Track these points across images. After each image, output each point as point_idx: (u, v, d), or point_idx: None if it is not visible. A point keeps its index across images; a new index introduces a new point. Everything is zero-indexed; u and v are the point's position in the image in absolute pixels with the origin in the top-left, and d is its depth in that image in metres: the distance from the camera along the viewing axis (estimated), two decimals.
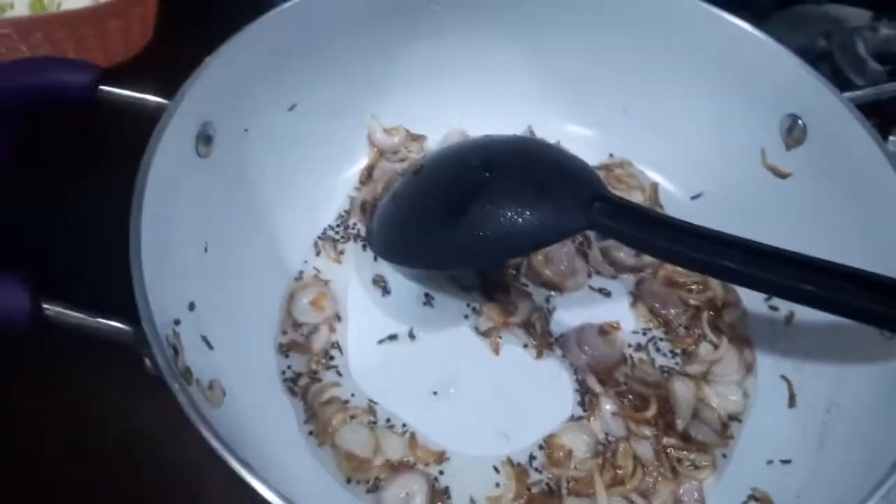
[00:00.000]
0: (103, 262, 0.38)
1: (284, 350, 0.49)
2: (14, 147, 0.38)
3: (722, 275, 0.44)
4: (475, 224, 0.45)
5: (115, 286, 0.37)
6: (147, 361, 0.36)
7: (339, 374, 0.48)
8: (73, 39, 0.63)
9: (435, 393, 0.48)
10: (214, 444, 0.32)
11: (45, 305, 0.35)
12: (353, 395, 0.47)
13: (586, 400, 0.48)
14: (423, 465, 0.45)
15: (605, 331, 0.51)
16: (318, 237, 0.54)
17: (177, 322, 0.41)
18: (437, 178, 0.50)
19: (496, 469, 0.45)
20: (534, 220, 0.44)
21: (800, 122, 0.51)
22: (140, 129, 0.43)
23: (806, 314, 0.50)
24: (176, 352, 0.37)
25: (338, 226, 0.55)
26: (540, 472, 0.45)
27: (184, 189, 0.44)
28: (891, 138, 0.64)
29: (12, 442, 0.46)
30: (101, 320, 0.36)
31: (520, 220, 0.44)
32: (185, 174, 0.44)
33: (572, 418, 0.48)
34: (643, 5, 0.55)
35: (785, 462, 0.45)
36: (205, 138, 0.46)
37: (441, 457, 0.46)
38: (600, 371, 0.49)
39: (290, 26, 0.50)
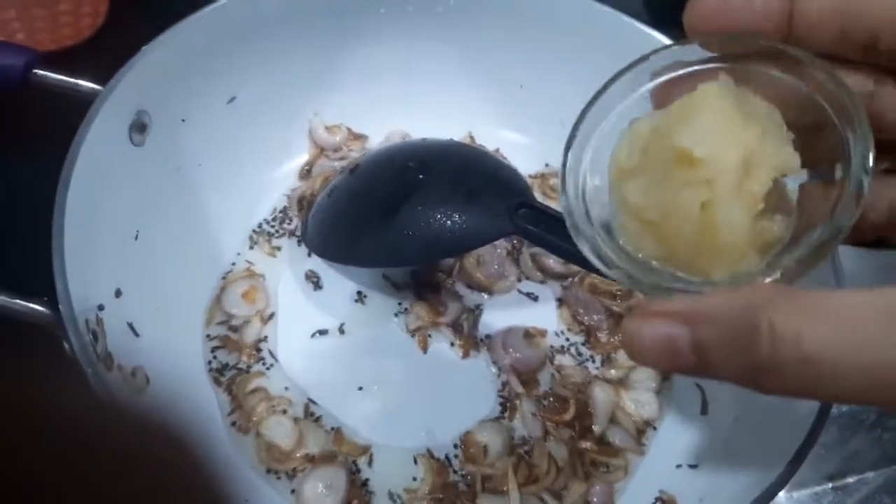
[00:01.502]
0: (29, 246, 0.38)
1: (213, 341, 0.49)
2: None
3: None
4: (406, 224, 0.47)
5: (41, 270, 0.37)
6: (66, 345, 0.36)
7: (267, 366, 0.49)
8: (21, 20, 0.62)
9: (361, 388, 0.49)
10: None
11: None
12: (285, 388, 0.48)
13: (508, 400, 0.50)
14: (346, 458, 0.46)
15: (531, 334, 0.52)
16: (253, 230, 0.55)
17: (101, 307, 0.41)
18: (371, 177, 0.51)
19: (415, 462, 0.46)
20: (462, 223, 0.46)
21: None
22: (74, 115, 0.43)
23: None
24: (95, 337, 0.38)
25: (273, 220, 0.55)
26: (456, 468, 0.47)
27: (115, 176, 0.44)
28: None
29: None
30: (20, 302, 0.36)
31: (448, 222, 0.45)
32: (117, 161, 0.45)
33: (493, 417, 0.49)
34: (585, 21, 0.56)
35: (692, 466, 0.47)
36: (139, 126, 0.46)
37: (365, 450, 0.46)
38: (523, 373, 0.50)
39: (232, 19, 0.50)
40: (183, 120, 0.50)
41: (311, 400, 0.48)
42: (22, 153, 0.54)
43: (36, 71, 0.43)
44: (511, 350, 0.51)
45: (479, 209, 0.46)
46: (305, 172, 0.58)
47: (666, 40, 0.55)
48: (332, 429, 0.47)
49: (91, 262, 0.40)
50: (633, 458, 0.49)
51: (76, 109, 0.43)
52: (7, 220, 0.51)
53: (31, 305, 0.36)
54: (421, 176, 0.48)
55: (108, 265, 0.43)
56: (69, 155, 0.40)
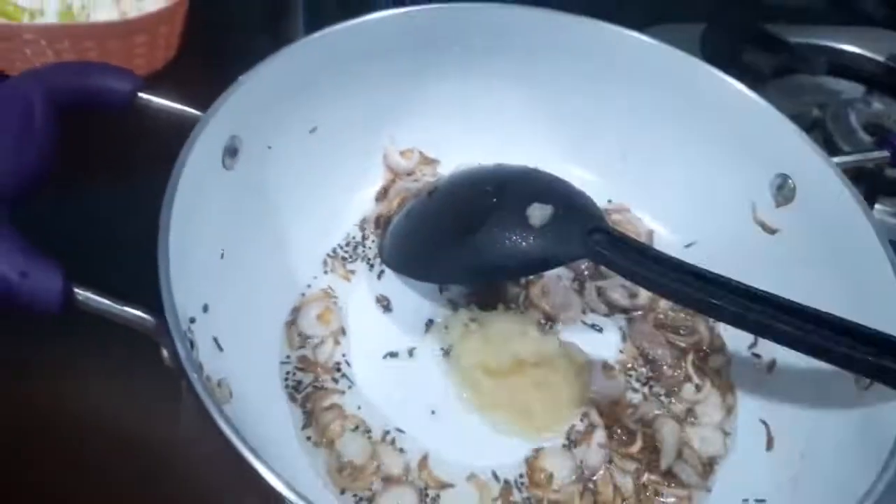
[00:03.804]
0: (132, 258, 0.40)
1: (289, 358, 0.51)
2: (56, 144, 0.40)
3: (709, 311, 0.47)
4: (482, 244, 0.49)
5: (142, 280, 0.39)
6: (165, 353, 0.38)
7: (341, 385, 0.50)
8: (98, 51, 0.66)
9: (433, 412, 0.50)
10: (228, 432, 0.34)
11: (76, 290, 0.37)
12: (358, 407, 0.49)
13: (576, 429, 0.50)
14: (426, 484, 0.47)
15: (609, 367, 0.53)
16: (328, 254, 0.57)
17: (192, 320, 0.43)
18: (449, 199, 0.54)
19: (481, 485, 0.47)
20: (537, 244, 0.47)
21: (789, 181, 0.54)
22: (171, 136, 0.45)
23: (787, 362, 0.52)
24: (192, 346, 0.39)
25: (347, 245, 0.57)
26: (521, 491, 0.47)
27: (208, 197, 0.47)
28: (877, 206, 0.67)
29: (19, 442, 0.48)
30: (126, 308, 0.38)
31: (523, 243, 0.47)
32: (211, 183, 0.47)
33: (560, 444, 0.50)
34: (650, 62, 0.58)
35: (759, 502, 0.47)
36: (231, 151, 0.48)
37: (444, 485, 0.47)
38: (602, 405, 0.51)
39: (320, 54, 0.53)
40: (269, 147, 0.52)
41: (383, 419, 0.49)
42: (126, 171, 0.57)
43: (141, 95, 0.45)
44: (591, 383, 0.52)
45: (554, 232, 0.47)
46: (382, 194, 0.60)
47: (721, 76, 0.56)
48: (401, 449, 0.48)
49: (185, 277, 0.42)
50: (698, 494, 0.49)
51: (168, 131, 0.46)
52: (110, 233, 0.54)
53: (137, 312, 0.38)
54: (497, 198, 0.50)
55: (198, 281, 0.45)
56: (173, 174, 0.42)
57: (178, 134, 0.45)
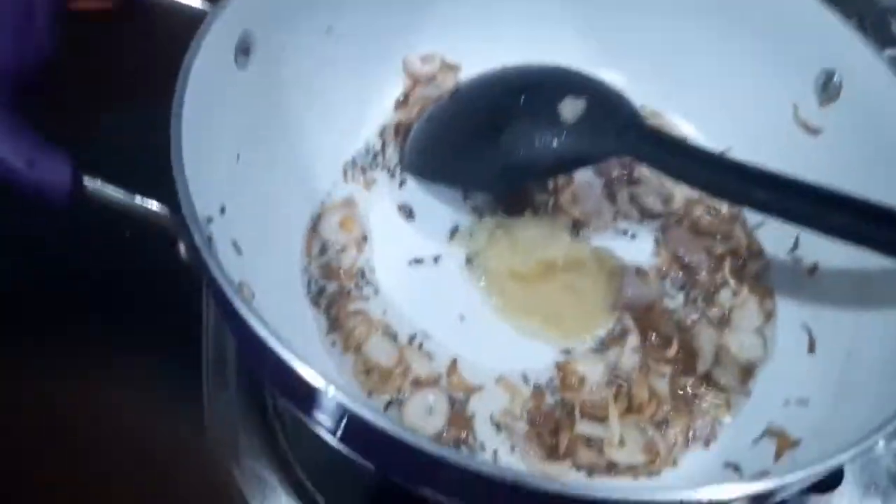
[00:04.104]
0: (145, 155, 0.39)
1: (311, 265, 0.49)
2: (57, 27, 0.38)
3: (750, 203, 0.45)
4: (510, 143, 0.46)
5: (156, 178, 0.38)
6: (182, 248, 0.37)
7: (366, 291, 0.49)
8: None
9: (462, 317, 0.49)
10: (253, 323, 0.32)
11: (86, 179, 0.35)
12: (383, 311, 0.48)
13: (611, 333, 0.49)
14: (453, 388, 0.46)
15: (643, 272, 0.51)
16: (347, 163, 0.55)
17: (209, 220, 0.41)
18: (473, 99, 0.51)
19: (511, 387, 0.46)
20: (570, 141, 0.45)
21: (835, 78, 0.51)
22: (181, 31, 0.43)
23: (830, 265, 0.50)
24: (210, 242, 0.38)
25: (367, 153, 0.55)
26: (553, 394, 0.46)
27: (220, 96, 0.45)
28: None
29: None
30: (140, 199, 0.36)
31: (555, 140, 0.45)
32: (223, 82, 0.45)
33: (592, 348, 0.48)
34: None
35: (802, 402, 0.45)
36: (244, 49, 0.46)
37: (473, 389, 0.46)
38: (638, 309, 0.49)
39: None
40: (283, 47, 0.50)
41: (410, 324, 0.48)
42: (133, 69, 0.55)
43: None
44: (624, 287, 0.50)
45: (588, 128, 0.45)
46: (402, 102, 0.57)
47: None
48: (429, 353, 0.47)
49: (200, 176, 0.40)
50: (737, 398, 0.47)
51: (178, 27, 0.44)
52: (122, 131, 0.52)
53: (152, 204, 0.36)
54: (526, 96, 0.47)
55: (214, 182, 0.43)
56: (182, 71, 0.40)
57: (187, 29, 0.43)
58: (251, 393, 0.50)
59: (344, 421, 0.35)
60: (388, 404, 0.45)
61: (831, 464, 0.33)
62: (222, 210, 0.44)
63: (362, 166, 0.55)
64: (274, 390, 0.43)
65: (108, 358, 0.50)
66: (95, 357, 0.50)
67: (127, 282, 0.53)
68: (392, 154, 0.56)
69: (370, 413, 0.31)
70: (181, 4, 0.45)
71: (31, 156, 0.33)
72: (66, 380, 0.49)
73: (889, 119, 0.49)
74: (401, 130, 0.56)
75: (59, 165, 0.34)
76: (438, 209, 0.53)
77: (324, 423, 0.36)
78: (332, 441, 0.37)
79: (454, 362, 0.46)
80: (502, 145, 0.47)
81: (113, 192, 0.36)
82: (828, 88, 0.52)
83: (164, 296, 0.52)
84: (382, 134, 0.56)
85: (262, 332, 0.32)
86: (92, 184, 0.36)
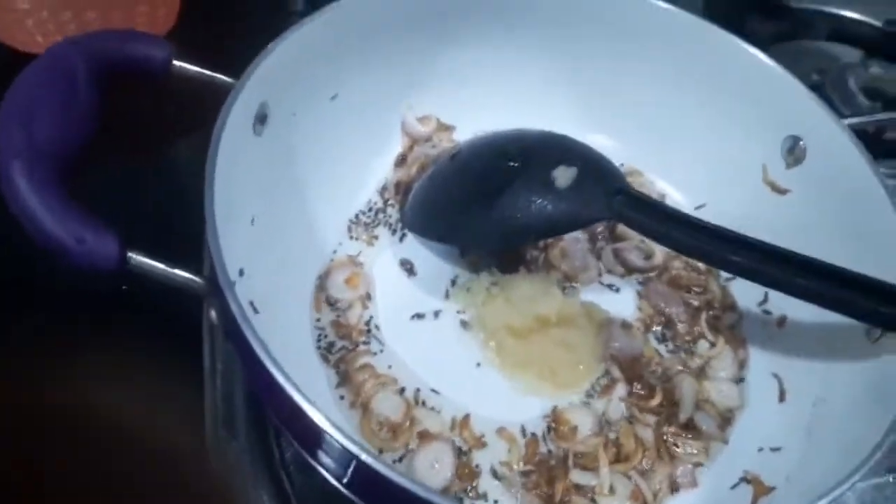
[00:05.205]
0: (178, 221, 0.41)
1: (320, 321, 0.52)
2: (97, 110, 0.41)
3: (725, 266, 0.49)
4: (506, 207, 0.50)
5: (184, 242, 0.40)
6: (213, 314, 0.39)
7: (373, 346, 0.52)
8: (101, 21, 0.66)
9: (461, 371, 0.51)
10: (285, 384, 0.35)
11: (130, 254, 0.38)
12: (389, 366, 0.51)
13: (598, 384, 0.52)
14: (463, 441, 0.48)
15: (627, 325, 0.55)
16: (351, 220, 0.58)
17: (231, 284, 0.44)
18: (472, 162, 0.55)
19: (510, 438, 0.49)
20: (562, 206, 0.49)
21: (801, 143, 0.56)
22: (195, 103, 0.46)
23: (797, 318, 0.54)
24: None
25: (369, 210, 0.59)
26: (548, 443, 0.49)
27: (240, 163, 0.47)
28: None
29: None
30: (177, 271, 0.39)
31: (549, 205, 0.49)
32: (244, 150, 0.47)
33: (582, 398, 0.52)
34: (663, 26, 0.59)
35: (775, 450, 0.49)
36: (261, 118, 0.49)
37: (482, 443, 0.48)
38: (623, 361, 0.53)
39: (343, 22, 0.53)
40: (294, 114, 0.53)
41: (415, 379, 0.51)
42: (160, 138, 0.57)
43: (175, 62, 0.46)
44: (611, 340, 0.53)
45: (579, 193, 0.49)
46: (401, 160, 0.61)
47: (735, 39, 0.58)
48: (433, 407, 0.49)
49: (225, 242, 0.43)
50: (715, 445, 0.51)
51: (197, 98, 0.46)
52: (157, 199, 0.54)
53: (186, 274, 0.39)
54: (521, 161, 0.51)
55: (235, 246, 0.45)
56: (213, 142, 0.43)
57: (202, 101, 0.46)
58: (259, 442, 0.52)
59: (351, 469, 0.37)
60: (400, 458, 0.47)
61: None
62: (241, 273, 0.47)
63: (365, 223, 0.58)
64: (291, 439, 0.46)
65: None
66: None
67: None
68: (392, 211, 0.59)
69: (380, 465, 0.34)
70: (206, 75, 0.48)
71: (80, 234, 0.36)
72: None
73: (848, 182, 0.53)
74: (401, 188, 0.59)
75: (106, 242, 0.36)
76: (437, 264, 0.57)
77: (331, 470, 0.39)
78: (342, 489, 0.39)
79: (466, 417, 0.49)
80: (499, 208, 0.51)
81: (154, 265, 0.39)
82: (794, 152, 0.57)
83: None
84: (383, 191, 0.60)
85: (288, 385, 0.36)
86: (135, 257, 0.38)
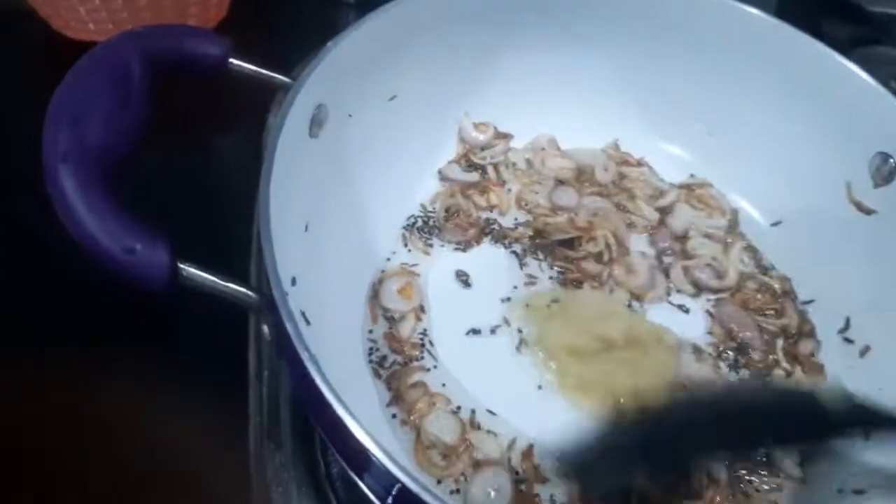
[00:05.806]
0: (220, 223, 0.39)
1: (373, 333, 0.50)
2: (151, 107, 0.39)
3: None
4: None
5: (229, 245, 0.38)
6: (265, 329, 0.37)
7: (426, 362, 0.49)
8: (152, 10, 0.65)
9: (520, 393, 0.49)
10: (337, 406, 0.33)
11: (181, 267, 0.36)
12: (443, 384, 0.48)
13: None
14: (522, 471, 0.46)
15: (699, 350, 0.52)
16: (405, 227, 0.55)
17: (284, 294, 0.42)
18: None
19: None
20: None
21: (891, 160, 0.52)
22: (254, 100, 0.44)
23: (883, 346, 0.51)
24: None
25: (424, 217, 0.56)
26: None
27: (296, 167, 0.45)
28: None
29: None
30: (230, 285, 0.37)
31: None
32: (299, 153, 0.45)
33: None
34: (742, 31, 0.56)
35: (858, 492, 0.46)
36: (318, 120, 0.47)
37: (544, 479, 0.45)
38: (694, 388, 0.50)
39: (405, 20, 0.51)
40: (350, 115, 0.51)
41: (474, 403, 0.48)
42: (212, 136, 0.56)
43: (231, 60, 0.44)
44: (681, 367, 0.50)
45: None
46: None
47: (819, 45, 0.54)
48: (489, 430, 0.47)
49: (279, 250, 0.41)
50: (791, 483, 0.48)
51: (252, 96, 0.44)
52: (207, 202, 0.53)
53: (240, 289, 0.37)
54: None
55: (288, 254, 0.43)
56: (269, 146, 0.41)
57: (249, 98, 0.44)
58: (304, 455, 0.50)
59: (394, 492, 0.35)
60: (453, 493, 0.44)
61: None
62: (293, 281, 0.44)
63: (419, 230, 0.55)
64: (338, 457, 0.44)
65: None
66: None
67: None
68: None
69: (423, 491, 0.31)
70: (262, 74, 0.46)
71: (130, 244, 0.33)
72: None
73: None
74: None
75: (157, 253, 0.34)
76: (494, 277, 0.54)
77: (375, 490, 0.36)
78: None
79: (531, 448, 0.46)
80: None
81: (206, 277, 0.37)
82: (882, 170, 0.52)
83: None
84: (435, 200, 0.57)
85: (338, 406, 0.33)
86: (186, 269, 0.36)
